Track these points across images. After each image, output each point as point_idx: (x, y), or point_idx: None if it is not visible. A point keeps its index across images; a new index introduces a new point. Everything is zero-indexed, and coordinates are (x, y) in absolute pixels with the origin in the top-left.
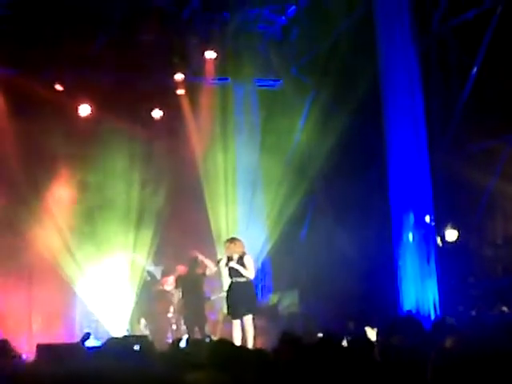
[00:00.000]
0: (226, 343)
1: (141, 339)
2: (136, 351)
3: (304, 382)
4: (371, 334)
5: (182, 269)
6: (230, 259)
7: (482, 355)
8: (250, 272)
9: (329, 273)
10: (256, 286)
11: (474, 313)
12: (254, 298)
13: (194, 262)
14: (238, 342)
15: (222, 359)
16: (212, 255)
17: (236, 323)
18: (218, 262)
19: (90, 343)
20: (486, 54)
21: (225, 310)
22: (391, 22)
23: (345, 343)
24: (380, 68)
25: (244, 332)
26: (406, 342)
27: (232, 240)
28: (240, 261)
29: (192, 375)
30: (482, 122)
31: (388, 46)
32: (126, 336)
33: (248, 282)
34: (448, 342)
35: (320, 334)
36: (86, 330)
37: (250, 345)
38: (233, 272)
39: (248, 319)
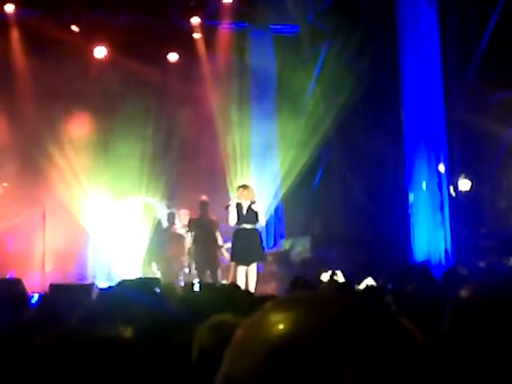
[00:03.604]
0: (239, 288)
1: (154, 281)
2: (151, 292)
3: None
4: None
5: (185, 213)
6: (239, 205)
7: (500, 306)
8: (262, 218)
9: (341, 220)
10: (268, 232)
11: (483, 264)
12: (261, 245)
13: (205, 206)
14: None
15: (237, 304)
16: (225, 201)
17: (242, 269)
18: (227, 207)
19: (102, 284)
20: (505, 4)
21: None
22: None
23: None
24: (398, 18)
25: (248, 278)
26: (420, 291)
27: (245, 186)
28: (251, 207)
29: (216, 317)
30: (499, 73)
31: None
32: (139, 278)
33: (256, 229)
34: (464, 293)
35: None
36: (98, 271)
37: (252, 290)
38: (243, 218)
39: (254, 266)
